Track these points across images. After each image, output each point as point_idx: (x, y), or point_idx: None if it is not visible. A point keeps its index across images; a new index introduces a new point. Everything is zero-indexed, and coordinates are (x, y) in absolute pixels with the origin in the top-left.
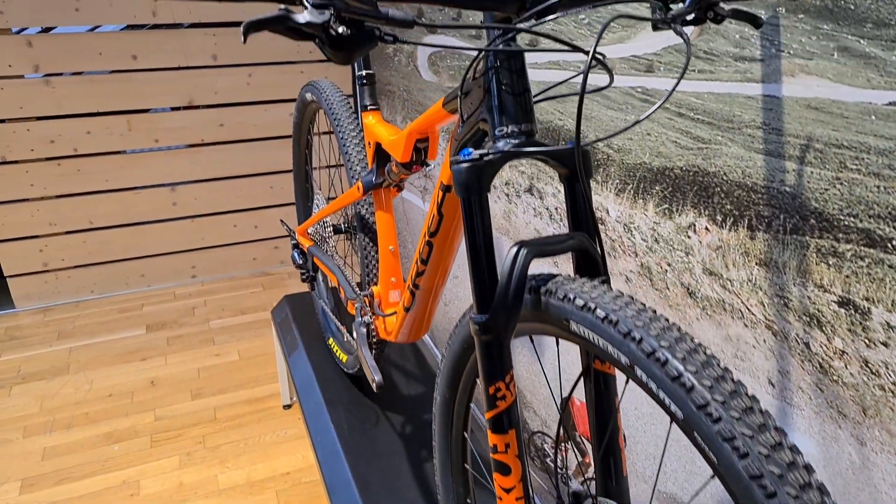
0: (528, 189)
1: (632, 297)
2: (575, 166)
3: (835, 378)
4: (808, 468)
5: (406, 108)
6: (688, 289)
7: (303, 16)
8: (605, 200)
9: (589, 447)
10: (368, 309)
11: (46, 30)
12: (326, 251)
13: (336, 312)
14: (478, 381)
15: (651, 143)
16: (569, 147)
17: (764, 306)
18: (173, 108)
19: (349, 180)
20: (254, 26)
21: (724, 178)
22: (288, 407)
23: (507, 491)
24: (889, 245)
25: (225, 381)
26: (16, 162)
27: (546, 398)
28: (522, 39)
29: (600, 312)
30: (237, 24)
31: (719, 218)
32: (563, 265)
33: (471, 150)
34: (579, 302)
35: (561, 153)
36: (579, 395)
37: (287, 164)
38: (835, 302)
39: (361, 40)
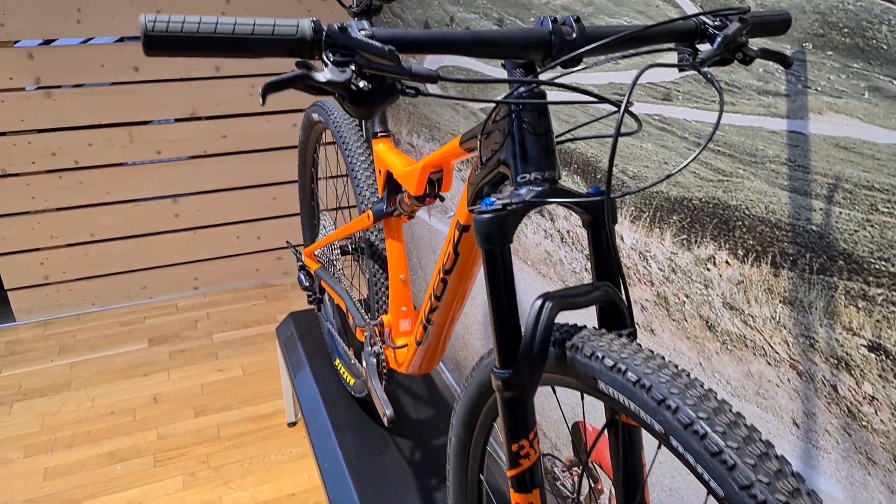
0: (539, 210)
1: (664, 359)
2: (599, 213)
3: (864, 423)
4: None
5: (412, 122)
6: (707, 322)
7: (323, 74)
8: (620, 227)
9: (601, 473)
10: (378, 339)
11: (47, 42)
12: (334, 274)
13: (343, 334)
14: (495, 424)
15: (668, 172)
16: (597, 198)
17: (788, 345)
18: (177, 120)
19: (358, 207)
20: (273, 87)
21: (747, 212)
22: (292, 424)
23: None
24: None
25: (229, 397)
26: (17, 175)
27: (557, 421)
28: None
29: (632, 375)
30: None
31: (741, 252)
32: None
33: (493, 199)
34: (608, 362)
35: (586, 204)
36: (590, 420)
37: (290, 175)
38: (864, 346)
39: (383, 95)
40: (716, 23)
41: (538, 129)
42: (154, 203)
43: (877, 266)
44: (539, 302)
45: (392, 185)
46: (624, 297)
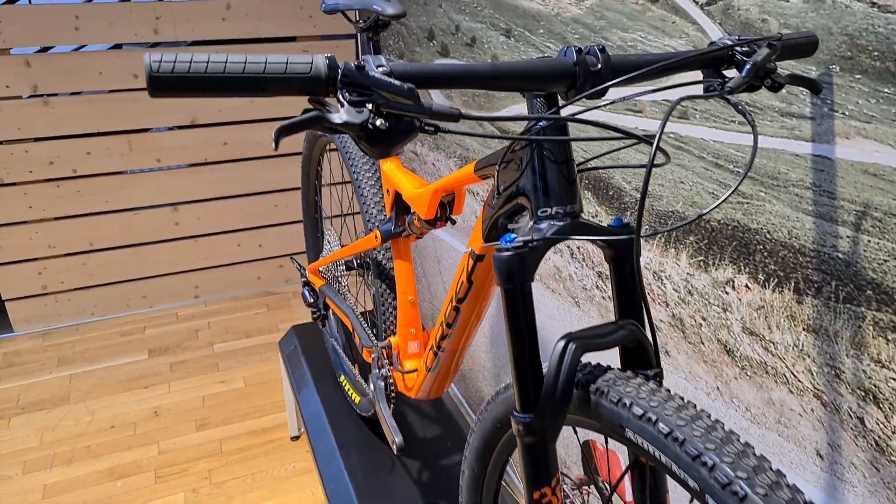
0: None
1: (696, 407)
2: (623, 248)
3: (893, 458)
4: None
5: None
6: (725, 346)
7: (339, 115)
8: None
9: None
10: (386, 361)
11: (44, 49)
12: (339, 290)
13: (348, 351)
14: (511, 459)
15: (685, 191)
16: (624, 237)
17: (812, 374)
18: (177, 127)
19: (365, 225)
20: (287, 130)
21: (768, 236)
22: (296, 438)
23: None
24: None
25: (230, 410)
26: (14, 184)
27: (567, 437)
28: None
29: (663, 427)
30: (240, 41)
31: (761, 277)
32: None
33: (513, 235)
34: (637, 410)
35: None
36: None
37: (292, 182)
38: (894, 379)
39: (401, 134)
40: (744, 48)
41: (559, 159)
42: (154, 211)
43: None
44: (562, 343)
45: (400, 205)
46: (650, 335)
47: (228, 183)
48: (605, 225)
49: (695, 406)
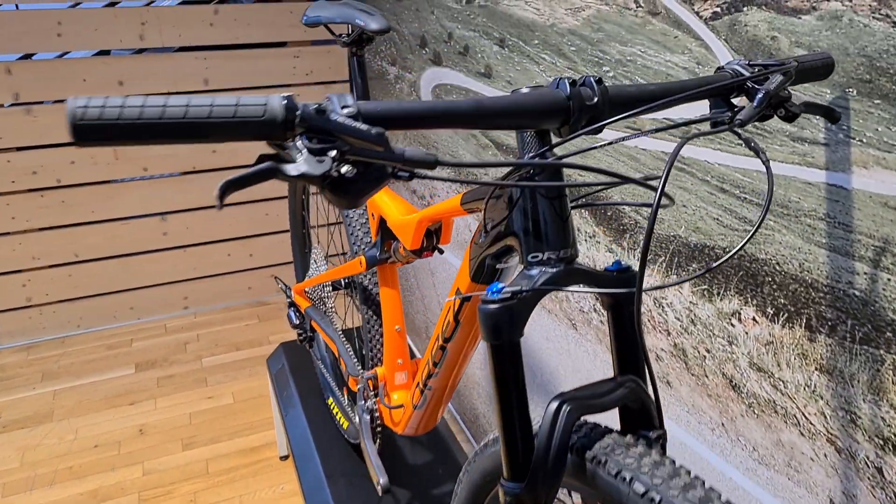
0: None
1: (704, 484)
2: (623, 295)
3: None
4: None
5: (408, 139)
6: (731, 381)
7: (296, 166)
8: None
9: None
10: (372, 393)
11: (26, 56)
12: (325, 313)
13: (335, 374)
14: None
15: (688, 216)
16: (624, 290)
17: (825, 417)
18: None
19: (350, 248)
20: (234, 185)
21: (777, 268)
22: (285, 458)
23: None
24: None
25: (218, 427)
26: None
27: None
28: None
29: None
30: (228, 47)
31: (770, 311)
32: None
33: (500, 284)
34: (639, 487)
35: (607, 283)
36: None
37: (282, 191)
38: None
39: (370, 182)
40: (755, 73)
41: (552, 195)
42: (141, 221)
43: None
44: (554, 405)
45: (386, 231)
46: (652, 393)
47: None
48: (603, 269)
49: (703, 483)
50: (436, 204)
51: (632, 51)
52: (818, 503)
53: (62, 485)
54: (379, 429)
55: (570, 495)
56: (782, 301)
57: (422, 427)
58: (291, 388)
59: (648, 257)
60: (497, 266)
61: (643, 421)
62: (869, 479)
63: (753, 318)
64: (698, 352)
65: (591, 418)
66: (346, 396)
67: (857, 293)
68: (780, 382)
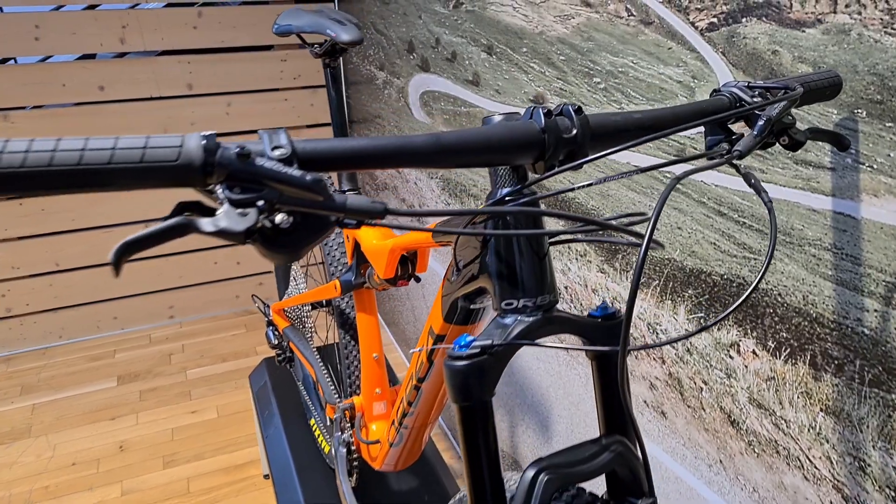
0: None
1: None
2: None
3: None
4: None
5: None
6: (729, 416)
7: (213, 221)
8: (625, 291)
9: None
10: (348, 425)
11: (3, 61)
12: (305, 334)
13: (315, 397)
14: None
15: (682, 238)
16: (607, 349)
17: (831, 462)
18: None
19: (326, 269)
20: (135, 247)
21: (779, 299)
22: (268, 477)
23: None
24: None
25: (201, 443)
26: None
27: None
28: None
29: None
30: (214, 50)
31: (771, 344)
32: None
33: (469, 338)
34: None
35: (591, 332)
36: None
37: None
38: None
39: (311, 232)
40: (755, 98)
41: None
42: (125, 229)
43: None
44: (531, 474)
45: (362, 255)
46: (640, 455)
47: None
48: (587, 314)
49: None
50: (408, 232)
51: (623, 62)
52: None
53: None
54: (356, 463)
55: None
56: (784, 335)
57: (401, 463)
58: (273, 406)
59: (641, 280)
60: (471, 307)
61: (632, 487)
62: None
63: (753, 352)
64: (694, 383)
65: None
66: (328, 417)
67: (866, 331)
68: (783, 421)
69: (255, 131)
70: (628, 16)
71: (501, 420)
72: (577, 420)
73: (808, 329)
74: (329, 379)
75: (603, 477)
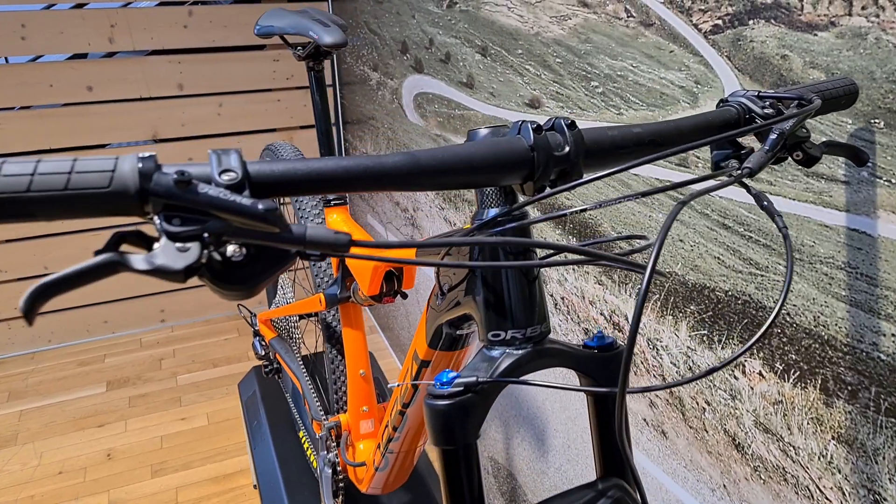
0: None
1: None
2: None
3: None
4: None
5: (391, 147)
6: (733, 439)
7: (147, 258)
8: (624, 304)
9: None
10: (334, 444)
11: None
12: (291, 346)
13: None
14: None
15: (684, 251)
16: (605, 390)
17: (843, 494)
18: (141, 143)
19: (313, 281)
20: (51, 290)
21: (788, 319)
22: (257, 487)
23: None
24: None
25: (190, 451)
26: None
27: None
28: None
29: None
30: (205, 50)
31: (779, 366)
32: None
33: (452, 374)
34: None
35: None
36: None
37: None
38: None
39: (268, 265)
40: (765, 110)
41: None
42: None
43: None
44: None
45: (347, 268)
46: (640, 501)
47: None
48: (582, 344)
49: None
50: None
51: (622, 65)
52: None
53: None
54: (341, 484)
55: None
56: (793, 357)
57: (388, 487)
58: (262, 417)
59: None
60: (457, 333)
61: None
62: None
63: (760, 373)
64: (697, 403)
65: None
66: (317, 430)
67: (882, 357)
68: (791, 448)
69: (246, 132)
70: (627, 17)
71: (496, 431)
72: (574, 435)
73: (820, 352)
74: (315, 394)
75: None
